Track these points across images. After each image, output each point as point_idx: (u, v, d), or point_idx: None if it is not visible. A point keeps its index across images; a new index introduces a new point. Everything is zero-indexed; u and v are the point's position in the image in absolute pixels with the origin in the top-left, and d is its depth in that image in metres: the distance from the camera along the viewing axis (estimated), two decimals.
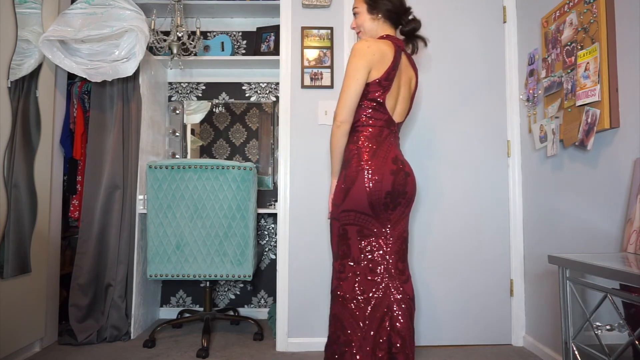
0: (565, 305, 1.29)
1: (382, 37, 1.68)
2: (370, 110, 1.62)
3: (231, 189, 2.21)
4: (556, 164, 2.01)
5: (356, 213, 1.58)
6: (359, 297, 1.56)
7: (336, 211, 1.65)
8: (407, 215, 1.68)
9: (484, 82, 2.40)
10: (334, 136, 1.62)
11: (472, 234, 2.35)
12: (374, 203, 1.57)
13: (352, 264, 1.59)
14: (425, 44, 1.75)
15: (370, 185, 1.56)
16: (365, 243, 1.59)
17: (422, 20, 1.71)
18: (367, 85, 1.59)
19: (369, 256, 1.59)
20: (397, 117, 1.68)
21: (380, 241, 1.61)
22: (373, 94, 1.60)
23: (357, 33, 1.76)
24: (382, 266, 1.59)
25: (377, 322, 1.55)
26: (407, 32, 1.72)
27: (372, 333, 1.54)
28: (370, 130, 1.62)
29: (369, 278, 1.58)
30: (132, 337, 2.40)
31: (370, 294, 1.57)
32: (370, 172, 1.57)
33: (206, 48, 2.92)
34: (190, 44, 2.51)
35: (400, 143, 2.33)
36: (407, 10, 1.71)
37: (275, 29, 2.86)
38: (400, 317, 1.57)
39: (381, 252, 1.60)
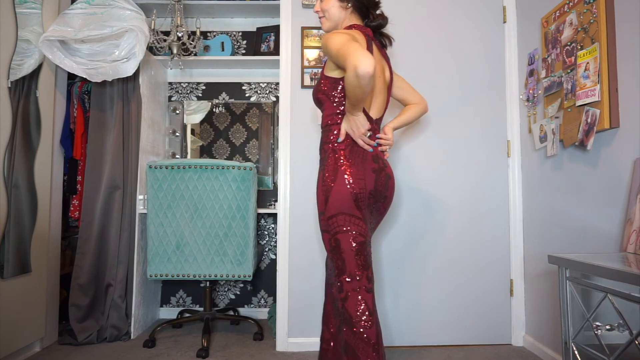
0: (565, 305, 1.29)
1: (349, 27, 1.55)
2: (343, 107, 1.49)
3: (231, 189, 2.21)
4: (556, 164, 2.01)
5: (344, 215, 1.42)
6: (365, 314, 1.39)
7: (323, 221, 1.47)
8: (378, 223, 1.62)
9: (484, 82, 2.40)
10: (359, 85, 1.28)
11: (472, 234, 2.35)
12: (360, 203, 1.43)
13: (348, 279, 1.42)
14: (391, 43, 1.66)
15: (353, 184, 1.42)
16: (360, 251, 1.43)
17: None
18: (340, 78, 1.47)
19: (365, 263, 1.44)
20: (374, 113, 1.55)
21: (370, 247, 1.49)
22: None
23: (320, 18, 1.62)
24: (372, 273, 1.47)
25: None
26: (373, 28, 1.59)
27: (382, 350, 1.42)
28: None
29: (368, 288, 1.43)
30: (132, 337, 2.40)
31: (372, 306, 1.42)
32: (350, 170, 1.44)
33: (206, 48, 2.92)
34: (190, 44, 2.51)
35: (400, 143, 2.37)
36: (377, 4, 1.60)
37: (275, 29, 2.86)
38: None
39: (371, 258, 1.49)
